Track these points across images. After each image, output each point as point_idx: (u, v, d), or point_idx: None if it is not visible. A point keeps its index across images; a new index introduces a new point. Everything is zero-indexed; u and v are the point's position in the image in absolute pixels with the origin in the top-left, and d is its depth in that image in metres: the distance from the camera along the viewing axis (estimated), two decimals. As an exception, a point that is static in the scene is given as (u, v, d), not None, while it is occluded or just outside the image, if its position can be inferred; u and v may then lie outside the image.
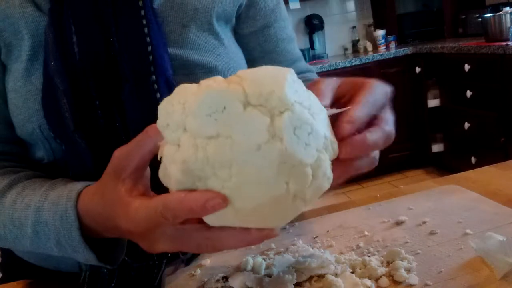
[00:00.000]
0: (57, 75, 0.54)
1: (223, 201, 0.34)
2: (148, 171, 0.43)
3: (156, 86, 0.55)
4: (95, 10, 0.55)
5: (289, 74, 0.36)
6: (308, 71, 0.79)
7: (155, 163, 0.40)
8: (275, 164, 0.34)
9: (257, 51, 0.71)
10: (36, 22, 0.56)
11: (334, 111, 0.40)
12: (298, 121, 0.34)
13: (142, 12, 0.56)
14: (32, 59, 0.56)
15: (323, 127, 0.37)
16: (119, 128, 0.55)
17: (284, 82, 0.35)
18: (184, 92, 0.36)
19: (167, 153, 0.36)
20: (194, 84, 0.37)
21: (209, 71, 0.61)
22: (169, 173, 0.36)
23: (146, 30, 0.55)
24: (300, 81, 0.38)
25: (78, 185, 0.49)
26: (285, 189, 0.35)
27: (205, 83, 0.36)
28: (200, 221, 0.39)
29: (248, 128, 0.33)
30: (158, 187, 0.40)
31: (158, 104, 0.53)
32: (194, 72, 0.60)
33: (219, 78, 0.37)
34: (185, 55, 0.60)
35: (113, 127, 0.55)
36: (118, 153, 0.42)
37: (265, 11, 0.70)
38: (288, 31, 0.74)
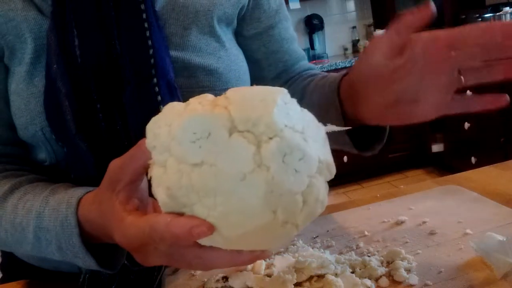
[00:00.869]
0: (59, 77, 0.54)
1: (208, 229, 0.34)
2: (144, 182, 0.43)
3: (157, 89, 0.55)
4: (97, 13, 0.55)
5: (280, 96, 0.35)
6: (310, 69, 0.79)
7: None
8: (261, 194, 0.33)
9: (262, 52, 0.71)
10: (39, 25, 0.56)
11: (334, 128, 0.40)
12: (287, 148, 0.33)
13: (144, 15, 0.56)
14: (34, 62, 0.56)
15: (317, 149, 0.36)
16: (120, 131, 0.55)
17: (274, 106, 0.33)
18: (171, 113, 0.36)
19: (154, 175, 0.36)
20: (182, 104, 0.36)
21: (210, 73, 0.61)
22: (157, 197, 0.36)
23: (147, 33, 0.55)
24: (294, 100, 0.36)
25: (78, 192, 0.49)
26: (273, 217, 0.34)
27: (192, 105, 0.35)
28: None
29: (233, 156, 0.32)
30: None
31: (159, 107, 0.54)
32: (195, 74, 0.60)
33: (208, 97, 0.36)
34: (186, 58, 0.60)
35: (114, 130, 0.55)
36: (113, 165, 0.42)
37: (269, 13, 0.70)
38: (291, 31, 0.75)
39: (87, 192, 0.49)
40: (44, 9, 0.56)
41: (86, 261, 0.48)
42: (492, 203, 0.61)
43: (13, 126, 0.59)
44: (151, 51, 0.55)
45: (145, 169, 0.40)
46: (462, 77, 0.44)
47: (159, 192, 0.35)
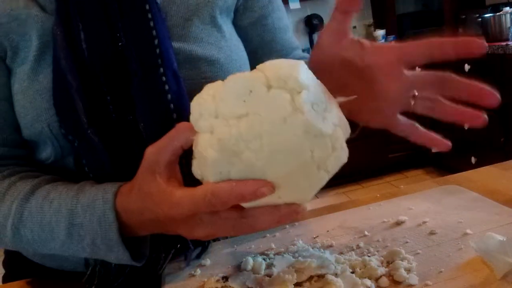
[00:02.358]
0: (68, 72, 0.54)
1: (273, 187, 0.39)
2: (178, 167, 0.46)
3: (164, 78, 0.56)
4: (101, 6, 0.56)
5: (303, 63, 0.41)
6: (304, 59, 0.80)
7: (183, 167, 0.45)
8: (300, 133, 0.38)
9: (256, 41, 0.72)
10: (42, 22, 0.56)
11: (342, 99, 0.44)
12: (314, 98, 0.39)
13: (147, 6, 0.56)
14: (39, 59, 0.56)
15: (336, 107, 0.42)
16: (131, 122, 0.56)
17: (299, 68, 0.40)
18: (212, 86, 0.42)
19: (202, 141, 0.40)
20: (219, 81, 0.42)
21: (211, 64, 0.61)
22: (206, 157, 0.40)
23: (152, 23, 0.56)
24: (311, 73, 0.42)
25: (111, 186, 0.50)
26: (310, 156, 0.39)
27: (229, 76, 0.40)
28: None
29: (273, 104, 0.38)
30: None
31: (167, 96, 0.56)
32: (198, 65, 0.60)
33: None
34: (188, 49, 0.60)
35: (125, 121, 0.56)
36: (151, 149, 0.45)
37: (262, 2, 0.71)
38: (285, 21, 0.76)
39: (120, 186, 0.50)
40: (46, 6, 0.57)
41: (120, 255, 0.50)
42: (492, 203, 0.61)
43: (18, 128, 0.59)
44: (156, 41, 0.56)
45: (183, 150, 0.43)
46: (412, 102, 0.48)
47: (208, 153, 0.40)
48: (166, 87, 0.55)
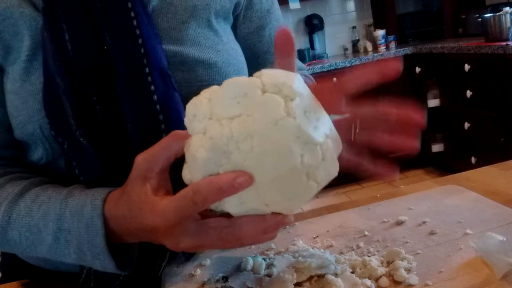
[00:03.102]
0: (57, 73, 0.54)
1: (250, 177, 0.38)
2: (168, 175, 0.45)
3: (150, 78, 0.55)
4: (84, 6, 0.55)
5: (299, 75, 0.42)
6: (299, 69, 0.80)
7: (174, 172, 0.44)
8: (290, 137, 0.38)
9: (252, 51, 0.72)
10: (35, 22, 0.56)
11: (336, 117, 0.45)
12: (307, 107, 0.40)
13: (130, 5, 0.55)
14: (31, 59, 0.56)
15: (328, 121, 0.42)
16: (118, 123, 0.55)
17: (294, 77, 0.41)
18: (209, 90, 0.42)
19: (194, 142, 0.41)
20: (216, 86, 0.42)
21: (209, 67, 0.61)
22: (196, 157, 0.40)
23: (135, 22, 0.55)
24: (306, 86, 0.42)
25: (100, 192, 0.50)
26: (300, 162, 0.39)
27: (226, 80, 0.41)
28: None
29: (266, 107, 0.39)
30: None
31: (153, 96, 0.55)
32: (195, 69, 0.60)
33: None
34: (185, 52, 0.59)
35: (113, 121, 0.55)
36: (143, 156, 0.44)
37: (260, 13, 0.71)
38: None
39: (110, 192, 0.49)
40: (38, 5, 0.56)
41: (105, 263, 0.49)
42: (492, 203, 0.61)
43: (10, 128, 0.59)
44: (140, 41, 0.55)
45: (176, 157, 0.43)
46: (352, 135, 0.49)
47: (199, 152, 0.40)
48: (152, 87, 0.55)
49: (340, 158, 0.49)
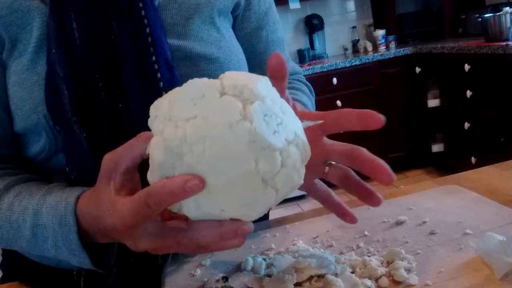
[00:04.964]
0: (57, 61, 0.55)
1: (200, 182, 0.37)
2: (137, 176, 0.45)
3: (156, 66, 0.56)
4: None
5: (264, 78, 0.41)
6: (295, 73, 0.81)
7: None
8: (244, 141, 0.37)
9: (249, 52, 0.73)
10: (42, 14, 0.57)
11: (309, 123, 0.45)
12: (268, 110, 0.39)
13: None
14: (38, 50, 0.57)
15: (294, 125, 0.41)
16: (122, 109, 0.56)
17: (257, 80, 0.40)
18: (172, 91, 0.41)
19: (152, 143, 0.40)
20: (178, 87, 0.41)
21: (211, 62, 0.62)
22: (153, 158, 0.39)
23: (143, 12, 0.57)
24: (274, 89, 0.42)
25: (76, 190, 0.50)
26: (254, 167, 0.37)
27: (188, 81, 0.40)
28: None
29: (222, 110, 0.38)
30: None
31: (159, 83, 0.57)
32: (197, 63, 0.61)
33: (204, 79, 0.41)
34: (188, 47, 0.61)
35: (116, 108, 0.56)
36: (109, 156, 0.44)
37: (258, 14, 0.72)
38: (279, 34, 0.77)
39: (84, 191, 0.50)
40: None
41: (80, 259, 0.49)
42: (492, 203, 0.61)
43: (5, 126, 0.60)
44: (147, 30, 0.57)
45: (141, 158, 0.42)
46: (326, 169, 0.51)
47: (155, 154, 0.39)
48: (158, 75, 0.56)
49: (312, 188, 0.52)
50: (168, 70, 0.57)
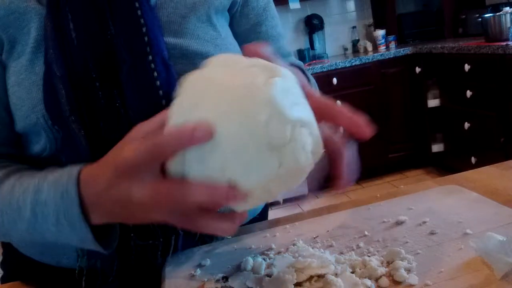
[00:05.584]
0: (54, 61, 0.55)
1: (210, 131, 0.37)
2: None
3: (153, 65, 0.57)
4: None
5: (287, 70, 0.42)
6: (299, 65, 0.81)
7: None
8: (261, 101, 0.38)
9: None
10: (40, 15, 0.58)
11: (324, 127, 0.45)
12: (288, 88, 0.40)
13: None
14: (36, 51, 0.58)
15: (311, 117, 0.42)
16: (119, 108, 0.57)
17: (282, 67, 0.42)
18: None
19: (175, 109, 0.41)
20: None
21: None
22: (172, 108, 0.41)
23: (139, 12, 0.57)
24: (295, 79, 0.43)
25: (80, 165, 0.48)
26: (263, 125, 0.37)
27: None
28: None
29: (247, 74, 0.40)
30: None
31: (156, 82, 0.57)
32: (194, 61, 0.61)
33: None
34: (185, 44, 0.61)
35: (113, 107, 0.57)
36: (140, 124, 0.43)
37: (257, 10, 0.73)
38: (278, 29, 0.77)
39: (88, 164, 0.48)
40: None
41: (82, 234, 0.47)
42: (492, 203, 0.61)
43: (7, 125, 0.60)
44: (144, 29, 0.57)
45: (163, 124, 0.41)
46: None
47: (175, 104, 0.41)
48: (155, 74, 0.57)
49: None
50: (165, 69, 0.58)
